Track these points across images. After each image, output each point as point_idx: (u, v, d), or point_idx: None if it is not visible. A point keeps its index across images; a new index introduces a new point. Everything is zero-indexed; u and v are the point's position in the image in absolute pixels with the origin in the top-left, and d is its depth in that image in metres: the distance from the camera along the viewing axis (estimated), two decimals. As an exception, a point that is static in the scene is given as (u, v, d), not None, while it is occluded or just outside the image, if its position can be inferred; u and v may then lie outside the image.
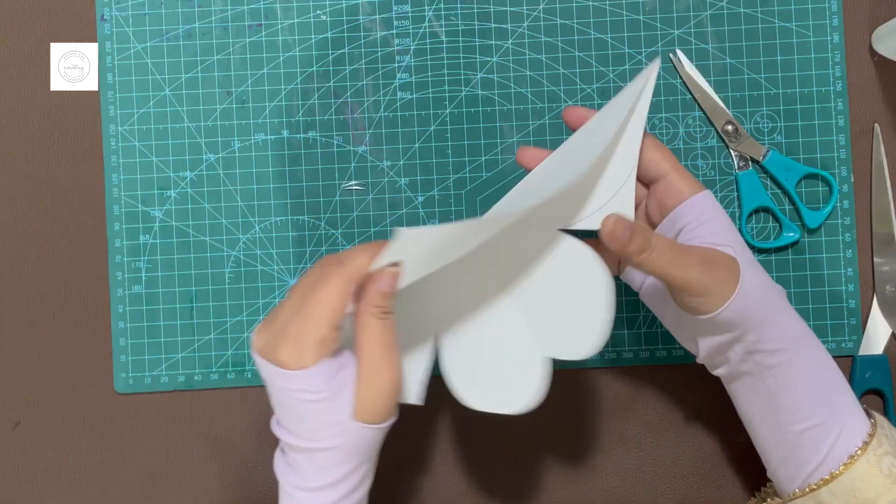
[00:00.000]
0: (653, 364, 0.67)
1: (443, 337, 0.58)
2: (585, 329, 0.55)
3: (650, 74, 0.57)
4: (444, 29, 0.68)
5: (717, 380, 0.58)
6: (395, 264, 0.52)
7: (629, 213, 0.56)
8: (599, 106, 0.67)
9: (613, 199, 0.57)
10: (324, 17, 0.68)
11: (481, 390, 0.57)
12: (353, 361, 0.52)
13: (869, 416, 0.56)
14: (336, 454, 0.52)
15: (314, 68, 0.68)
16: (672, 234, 0.56)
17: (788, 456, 0.56)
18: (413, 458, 0.67)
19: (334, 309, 0.51)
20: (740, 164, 0.67)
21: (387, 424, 0.53)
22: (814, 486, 0.54)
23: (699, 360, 0.58)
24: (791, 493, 0.55)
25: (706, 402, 0.66)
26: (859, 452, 0.53)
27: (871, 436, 0.54)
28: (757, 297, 0.54)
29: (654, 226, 0.58)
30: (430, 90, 0.68)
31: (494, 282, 0.58)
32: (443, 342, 0.58)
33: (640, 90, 0.56)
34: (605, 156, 0.56)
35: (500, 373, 0.57)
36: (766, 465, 0.58)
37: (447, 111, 0.68)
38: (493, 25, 0.68)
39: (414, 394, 0.57)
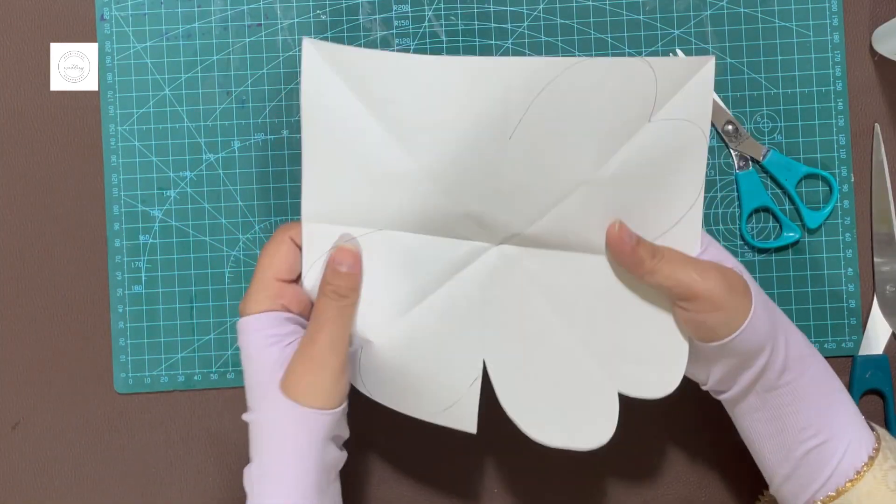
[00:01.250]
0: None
1: (491, 361, 0.56)
2: (660, 370, 0.54)
3: (704, 77, 0.53)
4: (444, 29, 0.68)
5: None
6: (353, 240, 0.53)
7: (695, 243, 0.54)
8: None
9: (677, 225, 0.54)
10: (324, 17, 0.68)
11: (548, 423, 0.55)
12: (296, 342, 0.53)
13: (872, 429, 0.55)
14: (272, 430, 0.52)
15: (314, 68, 0.68)
16: None
17: (793, 473, 0.55)
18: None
19: (278, 263, 0.53)
20: (740, 164, 0.67)
21: (324, 411, 0.51)
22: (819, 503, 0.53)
23: (706, 388, 0.57)
24: None
25: (707, 402, 0.66)
26: (865, 468, 0.53)
27: (877, 450, 0.53)
28: (766, 318, 0.53)
29: None
30: (430, 90, 0.68)
31: (542, 306, 0.56)
32: (492, 367, 0.56)
33: (693, 94, 0.53)
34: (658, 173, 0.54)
35: (570, 406, 0.55)
36: (768, 482, 0.58)
37: (447, 111, 0.68)
38: (493, 25, 0.68)
39: (468, 421, 0.55)
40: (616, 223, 0.52)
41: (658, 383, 0.54)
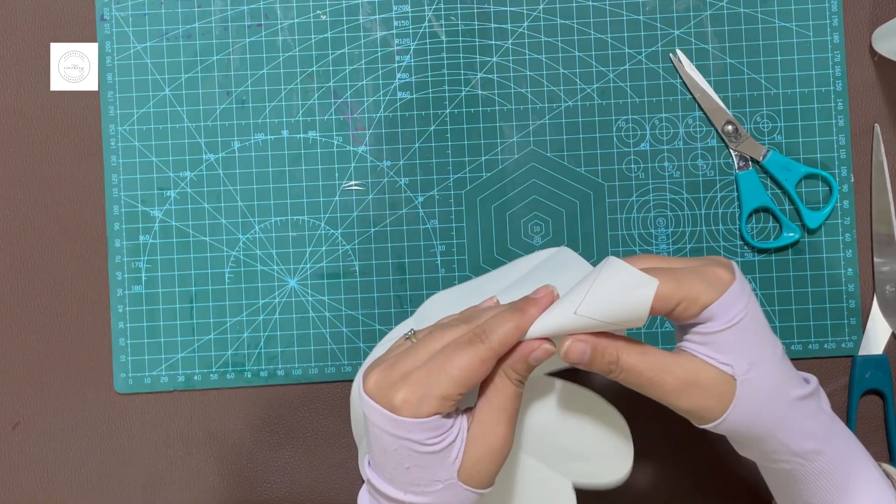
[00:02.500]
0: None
1: None
2: (609, 463, 0.55)
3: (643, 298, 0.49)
4: (444, 29, 0.68)
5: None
6: (550, 342, 0.51)
7: None
8: (599, 106, 0.68)
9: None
10: (324, 17, 0.68)
11: None
12: (465, 423, 0.50)
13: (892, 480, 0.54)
14: None
15: (314, 68, 0.68)
16: (687, 329, 0.52)
17: None
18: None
19: (470, 373, 0.48)
20: (740, 164, 0.67)
21: (485, 491, 0.50)
22: None
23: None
24: None
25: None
26: None
27: None
28: (757, 418, 0.50)
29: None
30: (430, 90, 0.68)
31: None
32: None
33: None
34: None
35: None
36: None
37: (447, 111, 0.68)
38: (493, 25, 0.68)
39: None
40: (568, 339, 0.49)
41: (608, 473, 0.55)
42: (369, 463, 0.51)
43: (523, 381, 0.51)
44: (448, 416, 0.49)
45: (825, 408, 0.52)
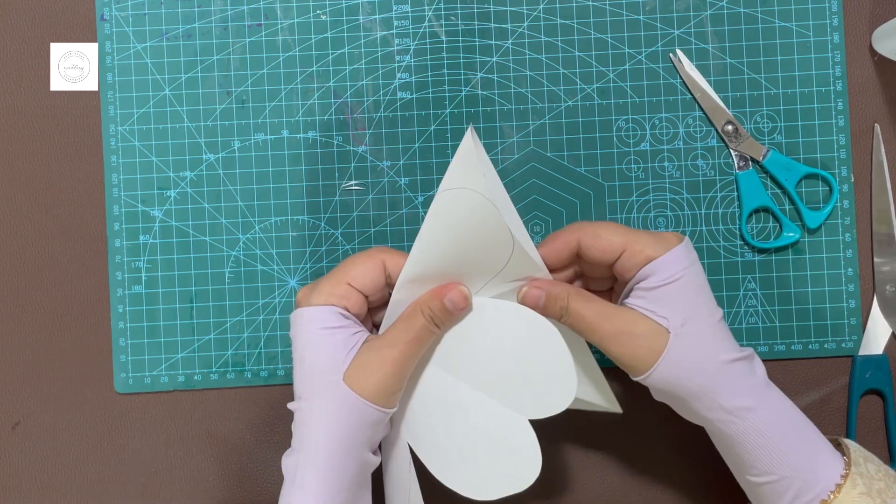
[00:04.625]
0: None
1: (412, 442, 0.57)
2: (554, 384, 0.55)
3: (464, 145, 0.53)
4: (444, 29, 0.68)
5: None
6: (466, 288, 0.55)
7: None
8: (599, 106, 0.68)
9: (502, 280, 0.56)
10: (324, 17, 0.68)
11: (484, 480, 0.56)
12: (368, 336, 0.55)
13: (843, 452, 0.54)
14: (328, 419, 0.53)
15: (314, 68, 0.68)
16: (629, 288, 0.56)
17: (750, 493, 0.56)
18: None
19: (358, 272, 0.55)
20: (740, 164, 0.67)
21: (376, 407, 0.53)
22: None
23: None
24: None
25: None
26: (831, 496, 0.52)
27: (844, 477, 0.52)
28: (687, 372, 0.53)
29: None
30: (430, 90, 0.68)
31: (436, 372, 0.57)
32: (416, 446, 0.57)
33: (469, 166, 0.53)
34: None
35: (496, 455, 0.56)
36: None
37: (447, 111, 0.68)
38: (493, 25, 0.68)
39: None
40: (521, 290, 0.55)
41: (557, 396, 0.56)
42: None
43: (438, 322, 0.54)
44: (351, 322, 0.54)
45: (759, 373, 0.55)
